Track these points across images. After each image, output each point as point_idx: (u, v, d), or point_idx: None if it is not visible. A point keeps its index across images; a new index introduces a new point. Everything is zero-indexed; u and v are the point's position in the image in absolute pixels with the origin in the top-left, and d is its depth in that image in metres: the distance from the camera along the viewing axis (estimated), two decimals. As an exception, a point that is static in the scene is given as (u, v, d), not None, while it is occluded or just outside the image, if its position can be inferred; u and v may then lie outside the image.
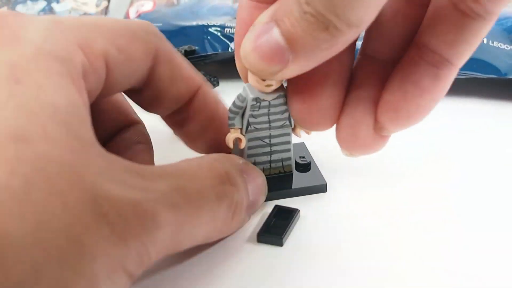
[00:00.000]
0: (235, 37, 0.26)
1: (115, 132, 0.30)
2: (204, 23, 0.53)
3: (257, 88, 0.28)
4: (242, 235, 0.28)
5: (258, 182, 0.28)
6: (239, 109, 0.29)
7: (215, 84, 0.48)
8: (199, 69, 0.48)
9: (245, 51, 0.23)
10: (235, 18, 0.55)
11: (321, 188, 0.31)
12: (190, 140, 0.31)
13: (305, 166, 0.32)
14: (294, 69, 0.22)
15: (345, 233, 0.29)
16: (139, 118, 0.31)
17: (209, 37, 0.52)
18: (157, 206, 0.21)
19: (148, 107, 0.29)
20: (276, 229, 0.28)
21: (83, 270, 0.18)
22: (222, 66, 0.53)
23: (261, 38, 0.22)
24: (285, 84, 0.28)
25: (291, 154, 0.31)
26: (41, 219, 0.18)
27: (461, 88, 0.46)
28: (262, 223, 0.29)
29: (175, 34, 0.51)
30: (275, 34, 0.22)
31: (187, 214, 0.22)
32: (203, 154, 0.30)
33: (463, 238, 0.29)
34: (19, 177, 0.18)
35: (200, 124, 0.30)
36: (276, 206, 0.30)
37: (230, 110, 0.29)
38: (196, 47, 0.51)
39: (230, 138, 0.29)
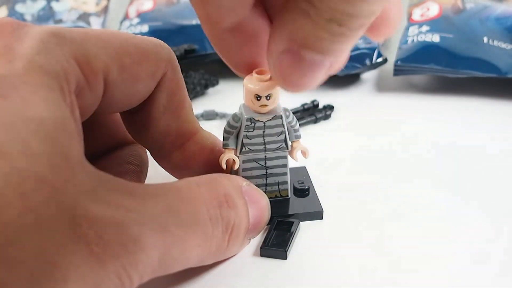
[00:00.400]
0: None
1: (107, 150, 0.29)
2: (204, 22, 0.52)
3: (252, 109, 0.27)
4: (244, 249, 0.27)
5: (260, 205, 0.26)
6: (234, 129, 0.28)
7: (215, 83, 0.47)
8: (199, 68, 0.49)
9: (292, 84, 0.22)
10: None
11: (317, 215, 0.30)
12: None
13: (302, 191, 0.31)
14: (334, 65, 0.22)
15: (348, 243, 0.28)
16: None
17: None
18: (142, 228, 0.20)
19: (133, 133, 0.28)
20: (279, 242, 0.27)
21: None
22: (222, 65, 0.52)
23: (300, 70, 0.21)
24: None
25: (287, 178, 0.30)
26: (11, 236, 0.17)
27: (461, 87, 0.46)
28: (262, 236, 0.28)
29: (175, 33, 0.51)
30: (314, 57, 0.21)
31: (177, 237, 0.21)
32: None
33: (464, 245, 0.29)
34: None
35: (194, 170, 0.28)
36: (275, 219, 0.29)
37: (224, 130, 0.28)
38: (196, 46, 0.50)
39: (223, 158, 0.28)
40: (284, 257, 0.27)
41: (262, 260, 0.27)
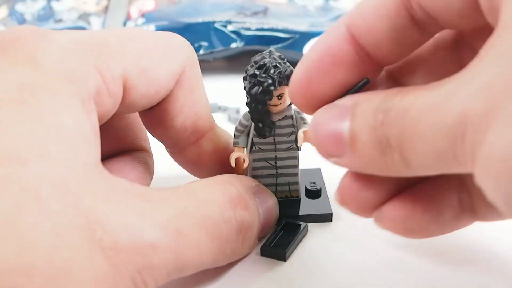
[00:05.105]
0: (310, 48, 0.22)
1: (115, 153, 0.29)
2: (210, 19, 0.52)
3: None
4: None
5: (269, 204, 0.27)
6: (245, 128, 0.28)
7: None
8: (206, 66, 0.48)
9: (316, 121, 0.22)
10: (239, 13, 0.54)
11: (327, 217, 0.29)
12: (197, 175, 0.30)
13: (315, 193, 0.30)
14: (347, 164, 0.21)
15: (353, 255, 0.27)
16: (148, 146, 0.30)
17: (215, 33, 0.51)
18: (157, 232, 0.20)
19: (150, 128, 0.28)
20: (281, 243, 0.27)
21: None
22: (228, 61, 0.52)
23: (333, 119, 0.21)
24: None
25: (298, 178, 0.29)
26: (26, 241, 0.17)
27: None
28: (267, 236, 0.27)
29: (183, 32, 0.50)
30: (345, 125, 0.20)
31: (191, 240, 0.21)
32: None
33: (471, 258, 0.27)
34: (6, 197, 0.17)
35: (208, 166, 0.29)
36: (283, 220, 0.28)
37: (236, 128, 0.28)
38: (206, 43, 0.50)
39: (233, 156, 0.28)
40: (283, 258, 0.26)
41: (262, 260, 0.27)
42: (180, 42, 0.26)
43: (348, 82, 0.22)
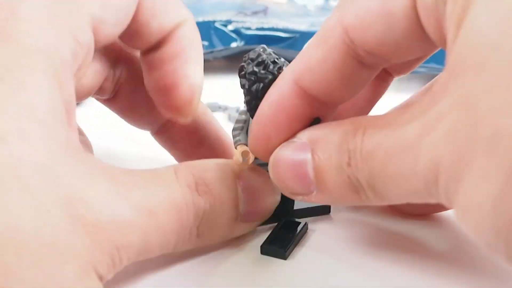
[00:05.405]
0: (261, 106, 0.24)
1: None
2: (210, 18, 0.52)
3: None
4: (247, 244, 0.27)
5: (258, 191, 0.26)
6: (243, 124, 0.27)
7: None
8: (206, 66, 0.48)
9: (275, 162, 0.23)
10: (239, 12, 0.54)
11: (324, 209, 0.29)
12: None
13: None
14: (316, 201, 0.22)
15: (353, 253, 0.27)
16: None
17: (216, 32, 0.51)
18: (133, 212, 0.21)
19: (128, 42, 0.27)
20: (281, 241, 0.27)
21: (55, 272, 0.18)
22: (228, 61, 0.52)
23: (294, 157, 0.22)
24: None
25: None
26: (10, 220, 0.17)
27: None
28: (266, 234, 0.27)
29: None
30: (307, 164, 0.21)
31: (160, 221, 0.22)
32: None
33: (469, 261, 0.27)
34: None
35: (188, 144, 0.30)
36: (283, 218, 0.28)
37: (234, 128, 0.27)
38: (206, 43, 0.50)
39: (238, 152, 0.27)
40: (283, 256, 0.26)
41: (262, 258, 0.26)
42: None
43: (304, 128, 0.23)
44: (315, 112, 0.23)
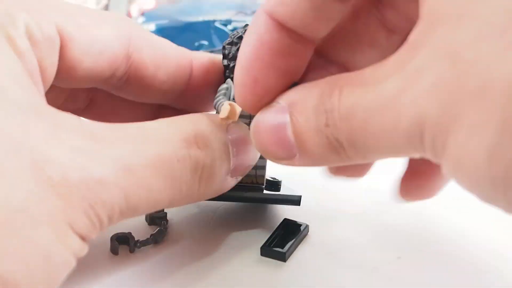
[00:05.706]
0: (242, 49, 0.22)
1: None
2: (210, 18, 0.52)
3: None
4: (248, 246, 0.27)
5: (245, 144, 0.25)
6: (225, 90, 0.27)
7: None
8: None
9: (256, 128, 0.22)
10: (239, 12, 0.54)
11: (294, 200, 0.28)
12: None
13: (275, 185, 0.29)
14: (300, 165, 0.22)
15: (353, 256, 0.27)
16: None
17: (215, 32, 0.52)
18: (104, 169, 0.20)
19: (137, 96, 0.29)
20: (281, 243, 0.27)
21: (29, 236, 0.18)
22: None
23: (274, 122, 0.21)
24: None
25: (265, 162, 0.29)
26: None
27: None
28: (266, 235, 0.27)
29: (182, 30, 0.52)
30: (287, 128, 0.21)
31: (142, 178, 0.21)
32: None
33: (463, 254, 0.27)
34: None
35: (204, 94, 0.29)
36: (285, 219, 0.28)
37: (217, 96, 0.27)
38: (206, 42, 0.51)
39: (225, 108, 0.25)
40: (283, 258, 0.26)
41: (262, 260, 0.26)
42: (118, 14, 0.27)
43: (291, 70, 0.22)
44: (298, 48, 0.22)
